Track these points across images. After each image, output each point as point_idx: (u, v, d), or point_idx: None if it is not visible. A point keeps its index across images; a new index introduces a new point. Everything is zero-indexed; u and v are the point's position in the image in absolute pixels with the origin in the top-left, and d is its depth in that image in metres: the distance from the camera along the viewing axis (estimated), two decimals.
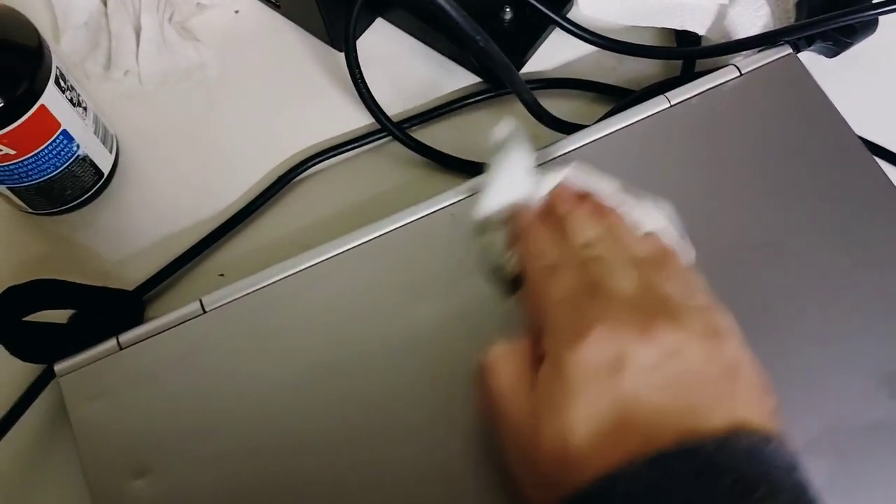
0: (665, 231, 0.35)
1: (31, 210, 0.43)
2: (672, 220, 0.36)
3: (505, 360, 0.31)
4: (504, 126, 0.36)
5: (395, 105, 0.48)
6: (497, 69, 0.38)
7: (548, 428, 0.28)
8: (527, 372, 0.31)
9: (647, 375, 0.28)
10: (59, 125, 0.39)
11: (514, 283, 0.36)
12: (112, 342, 0.38)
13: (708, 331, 0.30)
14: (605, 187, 0.36)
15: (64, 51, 0.48)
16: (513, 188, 0.35)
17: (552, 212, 0.35)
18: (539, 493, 0.29)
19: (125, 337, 0.38)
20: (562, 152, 0.42)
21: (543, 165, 0.36)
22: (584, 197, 0.35)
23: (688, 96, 0.43)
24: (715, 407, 0.28)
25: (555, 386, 0.29)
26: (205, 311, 0.38)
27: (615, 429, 0.27)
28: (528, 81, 0.48)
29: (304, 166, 0.46)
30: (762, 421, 0.28)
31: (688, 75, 0.47)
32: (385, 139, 0.47)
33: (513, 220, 0.35)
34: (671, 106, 0.43)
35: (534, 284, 0.33)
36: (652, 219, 0.35)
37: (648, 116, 0.43)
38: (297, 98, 0.49)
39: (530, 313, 0.32)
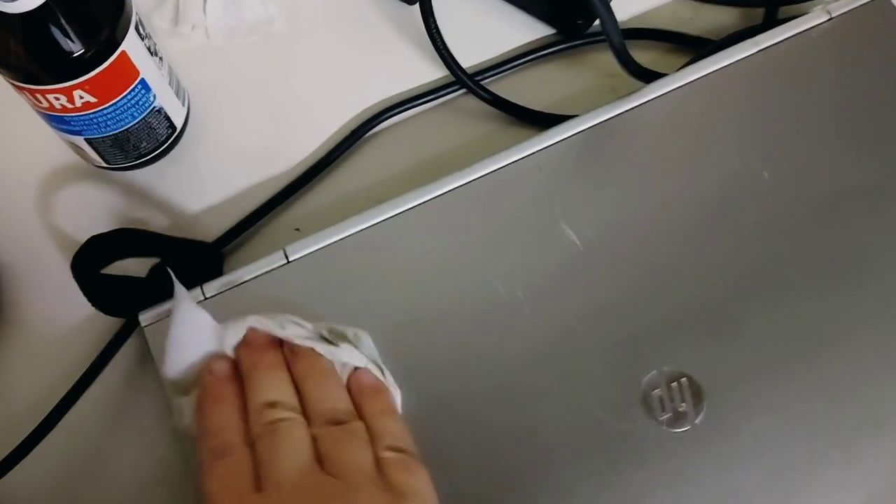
0: (368, 369, 0.32)
1: (105, 164, 0.43)
2: (374, 355, 0.33)
3: None
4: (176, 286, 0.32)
5: (465, 59, 0.47)
6: (594, 7, 0.37)
7: None
8: None
9: None
10: (138, 73, 0.38)
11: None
12: (196, 292, 0.37)
13: (380, 500, 0.28)
14: (296, 331, 0.32)
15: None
16: (196, 344, 0.32)
17: (240, 365, 0.32)
18: None
19: (209, 287, 0.37)
20: (646, 99, 0.41)
21: (224, 322, 0.32)
22: (276, 343, 0.32)
23: (776, 41, 0.42)
24: None
25: None
26: (288, 261, 0.38)
27: None
28: (598, 32, 0.47)
29: (377, 121, 0.45)
30: None
31: (770, 23, 0.46)
32: (458, 93, 0.46)
33: (200, 383, 0.32)
34: (759, 51, 0.42)
35: (200, 473, 0.29)
36: (351, 358, 0.32)
37: (735, 62, 0.42)
38: (366, 52, 0.48)
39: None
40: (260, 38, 0.48)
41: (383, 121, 0.46)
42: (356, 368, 0.32)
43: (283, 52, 0.48)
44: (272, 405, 0.30)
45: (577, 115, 0.41)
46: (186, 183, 0.44)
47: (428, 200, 0.39)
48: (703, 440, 0.34)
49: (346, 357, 0.32)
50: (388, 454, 0.29)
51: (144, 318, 0.37)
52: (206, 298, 0.37)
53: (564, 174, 0.40)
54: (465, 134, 0.46)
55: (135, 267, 0.40)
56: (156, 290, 0.38)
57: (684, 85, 0.41)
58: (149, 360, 0.37)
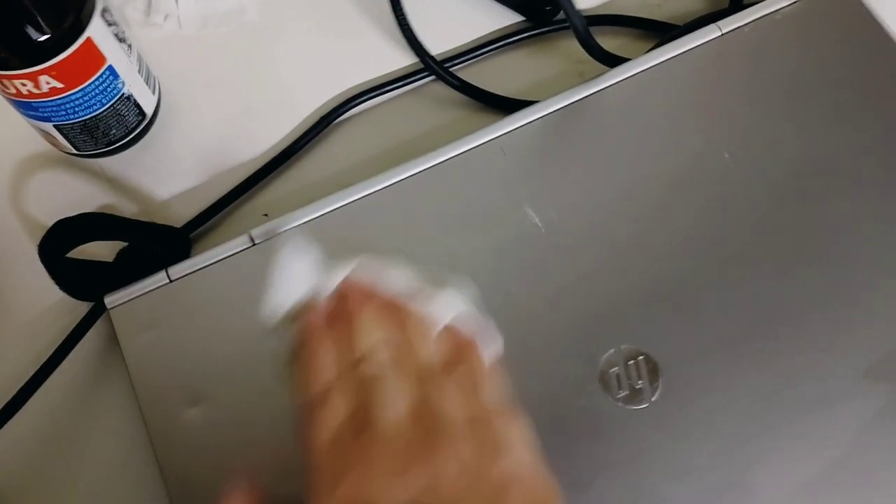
0: (465, 319, 0.32)
1: (76, 151, 0.43)
2: (475, 304, 0.32)
3: None
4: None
5: (436, 46, 0.47)
6: None
7: None
8: None
9: None
10: (104, 60, 0.39)
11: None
12: (162, 275, 0.38)
13: (478, 449, 0.28)
14: (396, 278, 0.32)
15: None
16: (297, 285, 0.32)
17: (338, 312, 0.32)
18: None
19: (174, 270, 0.38)
20: (609, 83, 0.41)
21: (330, 260, 0.32)
22: (370, 292, 0.32)
23: (739, 24, 0.42)
24: None
25: None
26: (254, 244, 0.38)
27: None
28: None
29: (346, 107, 0.46)
30: None
31: (736, 8, 0.46)
32: (427, 79, 0.47)
33: (297, 326, 0.32)
34: (722, 35, 0.42)
35: (302, 417, 0.30)
36: (450, 308, 0.32)
37: (699, 46, 0.42)
38: (337, 40, 0.48)
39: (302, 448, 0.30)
40: (232, 27, 0.48)
41: (353, 107, 0.46)
42: (453, 318, 0.32)
43: (255, 40, 0.48)
44: (370, 355, 0.30)
45: (538, 101, 0.42)
46: (157, 169, 0.45)
47: (392, 184, 0.40)
48: (659, 417, 0.34)
49: (444, 306, 0.32)
50: (482, 407, 0.29)
51: (110, 300, 0.37)
52: (171, 281, 0.37)
53: (528, 157, 0.40)
54: (434, 120, 0.46)
55: (104, 251, 0.40)
56: (123, 274, 0.39)
57: (647, 69, 0.42)
58: (116, 341, 0.37)
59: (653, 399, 0.35)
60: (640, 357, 0.35)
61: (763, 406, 0.35)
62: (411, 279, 0.32)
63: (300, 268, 0.32)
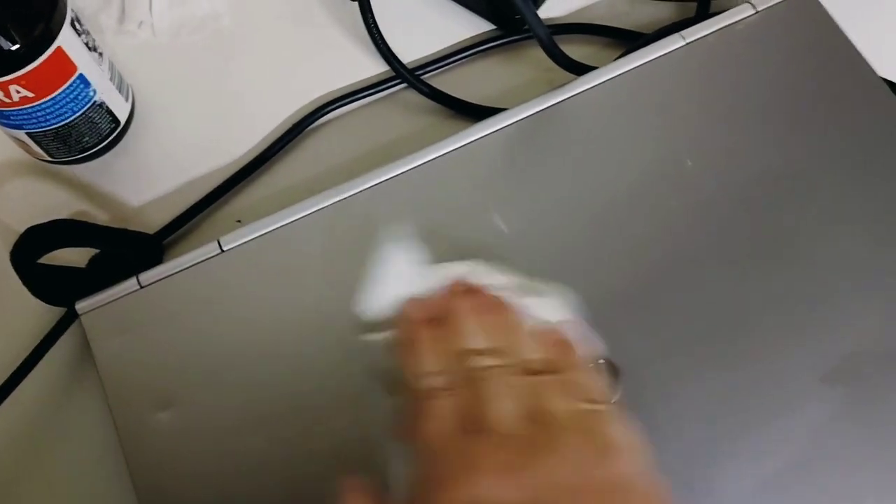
0: (568, 325, 0.32)
1: (50, 158, 0.44)
2: (574, 309, 0.33)
3: None
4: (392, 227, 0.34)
5: (408, 53, 0.48)
6: (515, 4, 0.38)
7: None
8: None
9: None
10: (75, 68, 0.39)
11: (393, 388, 0.33)
12: (132, 281, 0.38)
13: (587, 451, 0.28)
14: (498, 281, 0.33)
15: (78, 4, 0.49)
16: (396, 285, 0.33)
17: (440, 311, 0.32)
18: None
19: (145, 276, 0.38)
20: (576, 91, 0.42)
21: (433, 262, 0.33)
22: (477, 292, 0.33)
23: (702, 34, 0.43)
24: None
25: None
26: (223, 251, 0.39)
27: None
28: None
29: (319, 114, 0.46)
30: None
31: (702, 16, 0.47)
32: (399, 87, 0.47)
33: (398, 324, 0.32)
34: (686, 44, 0.43)
35: (410, 411, 0.30)
36: (554, 313, 0.32)
37: (663, 55, 0.43)
38: (311, 47, 0.49)
39: (406, 440, 0.30)
40: (206, 34, 0.49)
41: (326, 114, 0.47)
42: (555, 323, 0.32)
43: (229, 47, 0.49)
44: (475, 352, 0.30)
45: (508, 109, 0.42)
46: (131, 176, 0.45)
47: (362, 191, 0.40)
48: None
49: (542, 310, 0.32)
50: (588, 407, 0.29)
51: (81, 306, 0.38)
52: (141, 287, 0.38)
53: (496, 165, 0.41)
54: (406, 127, 0.47)
55: (78, 257, 0.41)
56: (96, 280, 0.39)
57: (613, 77, 0.42)
58: (88, 347, 0.38)
59: (613, 402, 0.35)
60: (601, 360, 0.36)
61: (722, 409, 0.35)
62: (513, 284, 0.33)
63: (402, 265, 0.33)
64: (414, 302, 0.33)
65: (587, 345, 0.32)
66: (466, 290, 0.33)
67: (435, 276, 0.33)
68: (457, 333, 0.31)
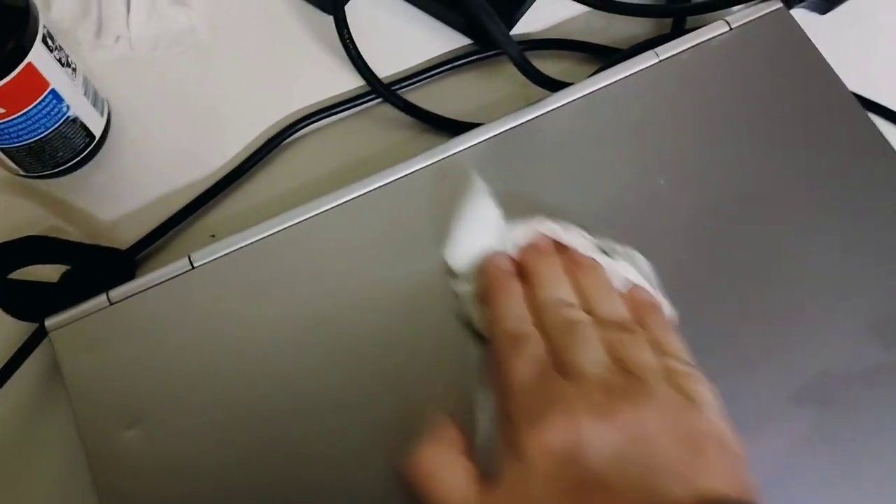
0: (644, 286, 0.33)
1: (24, 173, 0.44)
2: (649, 274, 0.34)
3: (441, 464, 0.30)
4: (475, 179, 0.35)
5: (385, 68, 0.48)
6: (482, 21, 0.38)
7: None
8: (469, 476, 0.29)
9: (609, 460, 0.27)
10: (47, 84, 0.39)
11: (484, 339, 0.34)
12: (102, 298, 0.38)
13: (677, 402, 0.29)
14: (580, 240, 0.34)
15: (55, 17, 0.49)
16: (482, 237, 0.34)
17: (525, 265, 0.33)
18: None
19: (115, 292, 0.38)
20: (549, 108, 0.42)
21: (518, 217, 0.34)
22: (560, 249, 0.34)
23: (676, 52, 0.43)
24: (682, 484, 0.27)
25: (517, 475, 0.28)
26: (193, 267, 0.39)
27: None
28: (518, 42, 0.48)
29: (295, 128, 0.46)
30: (736, 491, 0.28)
31: (678, 33, 0.47)
32: (375, 101, 0.47)
33: (482, 274, 0.33)
34: (660, 61, 0.43)
35: (497, 355, 0.31)
36: (629, 274, 0.33)
37: (637, 72, 0.43)
38: (288, 61, 0.49)
39: (493, 384, 0.31)
40: (183, 48, 0.49)
41: (302, 128, 0.47)
42: (632, 285, 0.33)
43: (206, 61, 0.49)
44: (564, 303, 0.31)
45: (483, 124, 0.42)
46: (107, 190, 0.45)
47: (333, 207, 0.40)
48: None
49: (624, 272, 0.33)
50: (674, 364, 0.30)
51: (50, 323, 0.38)
52: (111, 303, 0.38)
53: (467, 181, 0.41)
54: (382, 142, 0.47)
55: (52, 272, 0.41)
56: (68, 295, 0.39)
57: (587, 94, 0.42)
58: (57, 369, 0.38)
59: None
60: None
61: None
62: (597, 245, 0.34)
63: (488, 217, 0.34)
64: (502, 254, 0.34)
65: (664, 306, 0.33)
66: (550, 247, 0.34)
67: (522, 231, 0.34)
68: (546, 285, 0.32)
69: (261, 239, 0.39)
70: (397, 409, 0.36)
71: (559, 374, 0.29)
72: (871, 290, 0.38)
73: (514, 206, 0.40)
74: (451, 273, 0.34)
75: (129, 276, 0.42)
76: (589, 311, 0.31)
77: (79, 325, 0.38)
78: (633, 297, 0.33)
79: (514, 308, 0.31)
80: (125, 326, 0.38)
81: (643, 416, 0.28)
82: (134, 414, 0.36)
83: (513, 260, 0.33)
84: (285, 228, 0.40)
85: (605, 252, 0.34)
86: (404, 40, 0.49)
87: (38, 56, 0.38)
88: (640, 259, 0.34)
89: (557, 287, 0.32)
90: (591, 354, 0.29)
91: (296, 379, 0.37)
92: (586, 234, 0.34)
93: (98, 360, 0.37)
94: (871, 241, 0.39)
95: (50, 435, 0.39)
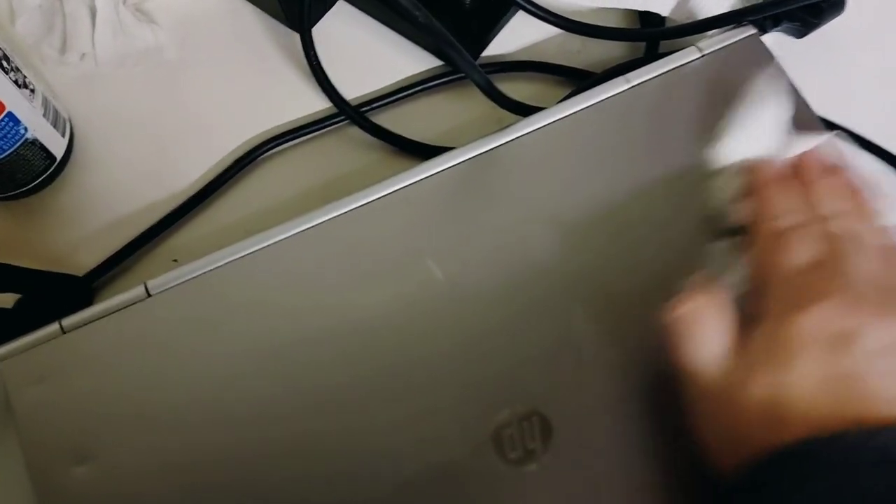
0: None
1: None
2: None
3: (705, 312, 0.31)
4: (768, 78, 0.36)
5: (355, 88, 0.47)
6: (446, 50, 0.38)
7: (759, 384, 0.28)
8: (730, 326, 0.31)
9: (872, 358, 0.28)
10: (3, 107, 0.38)
11: (732, 232, 0.36)
12: (55, 326, 0.37)
13: None
14: (858, 165, 0.34)
15: (19, 33, 0.48)
16: (761, 139, 0.35)
17: (798, 175, 0.34)
18: (732, 447, 0.29)
19: (68, 321, 0.37)
20: (518, 134, 0.41)
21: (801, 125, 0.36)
22: (833, 168, 0.35)
23: (647, 77, 0.42)
24: None
25: (774, 345, 0.29)
26: (150, 295, 0.38)
27: (831, 399, 0.27)
28: (490, 64, 0.47)
29: (261, 150, 0.45)
30: None
31: (651, 57, 0.46)
32: (344, 123, 0.47)
33: (753, 173, 0.35)
34: (631, 87, 0.42)
35: (764, 245, 0.32)
36: None
37: (608, 98, 0.42)
38: (255, 81, 0.48)
39: (752, 272, 0.32)
40: (149, 65, 0.48)
41: (269, 150, 0.46)
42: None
43: (172, 80, 0.48)
44: (825, 218, 0.32)
45: (453, 148, 0.42)
46: (67, 213, 0.44)
47: (297, 233, 0.39)
48: (550, 477, 0.34)
49: (891, 206, 0.33)
50: None
51: (1, 352, 0.37)
52: (63, 332, 0.37)
53: (433, 208, 0.40)
54: (350, 164, 0.46)
55: (7, 298, 0.40)
56: (21, 324, 0.38)
57: (558, 119, 0.42)
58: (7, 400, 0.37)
59: (544, 459, 0.35)
60: (534, 416, 0.35)
61: (657, 463, 0.35)
62: (870, 171, 0.36)
63: (769, 125, 0.34)
64: (771, 161, 0.35)
65: None
66: (825, 164, 0.35)
67: (795, 142, 0.35)
68: (811, 197, 0.33)
69: (221, 266, 0.38)
70: (357, 442, 0.35)
71: (832, 272, 0.30)
72: None
73: (480, 236, 0.39)
74: (715, 169, 0.36)
75: (86, 303, 0.41)
76: (855, 234, 0.32)
77: (30, 355, 0.37)
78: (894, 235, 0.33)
79: (783, 208, 0.33)
80: (78, 356, 0.37)
81: None
82: (84, 448, 0.35)
83: (791, 164, 0.35)
84: (247, 255, 0.39)
85: (881, 183, 0.34)
86: (375, 60, 0.49)
87: None
88: None
89: (827, 203, 0.33)
90: (860, 262, 0.30)
91: (253, 414, 0.36)
92: (867, 162, 0.36)
93: (49, 392, 0.36)
94: None
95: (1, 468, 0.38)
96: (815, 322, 0.29)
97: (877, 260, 0.31)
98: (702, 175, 0.38)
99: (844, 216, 0.33)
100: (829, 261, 0.31)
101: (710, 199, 0.38)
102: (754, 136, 0.35)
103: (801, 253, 0.31)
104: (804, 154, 0.35)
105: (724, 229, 0.36)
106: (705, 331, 0.31)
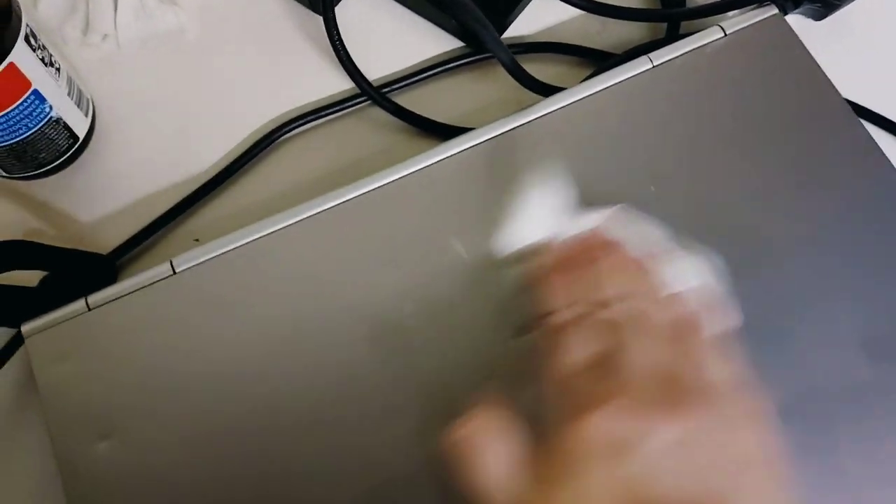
0: (706, 289, 0.32)
1: (5, 174, 0.43)
2: (718, 275, 0.32)
3: (487, 433, 0.29)
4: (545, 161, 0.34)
5: (376, 69, 0.47)
6: (473, 26, 0.37)
7: (551, 502, 0.27)
8: (515, 444, 0.29)
9: (658, 459, 0.27)
10: (29, 84, 0.38)
11: (522, 327, 0.34)
12: (81, 303, 0.37)
13: (724, 417, 0.28)
14: (643, 236, 0.32)
15: (41, 15, 0.48)
16: (540, 224, 0.33)
17: (577, 259, 0.32)
18: None
19: (94, 298, 0.37)
20: (541, 113, 0.41)
21: (580, 205, 0.34)
22: (615, 246, 0.33)
23: (670, 57, 0.42)
24: (721, 500, 0.27)
25: (558, 460, 0.27)
26: (175, 273, 0.38)
27: None
28: (511, 46, 0.47)
29: (283, 130, 0.45)
30: None
31: (672, 38, 0.46)
32: (366, 103, 0.47)
33: (533, 261, 0.33)
34: (654, 67, 0.42)
35: (544, 344, 0.30)
36: (692, 275, 0.32)
37: (630, 78, 0.42)
38: (277, 62, 0.48)
39: (536, 375, 0.30)
40: (171, 47, 0.48)
41: (290, 131, 0.46)
42: (693, 286, 0.32)
43: (194, 61, 0.48)
44: (612, 303, 0.30)
45: (474, 128, 0.42)
46: (90, 192, 0.45)
47: (318, 212, 0.39)
48: None
49: (686, 273, 0.32)
50: (719, 380, 0.29)
51: (27, 328, 0.37)
52: (89, 309, 0.37)
53: (457, 187, 0.40)
54: (372, 145, 0.46)
55: (32, 276, 0.40)
56: (47, 300, 0.38)
57: (580, 99, 0.42)
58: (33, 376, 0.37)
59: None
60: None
61: None
62: (655, 238, 0.33)
63: (546, 208, 0.33)
64: (552, 245, 0.33)
65: (724, 312, 0.31)
66: (606, 244, 0.33)
67: (577, 222, 0.33)
68: (591, 282, 0.31)
69: (245, 244, 0.39)
70: (382, 419, 0.35)
71: (601, 371, 0.29)
72: (861, 303, 0.37)
73: (504, 215, 0.39)
74: (498, 258, 0.33)
75: (110, 281, 0.41)
76: (636, 315, 0.31)
77: (56, 331, 0.37)
78: (685, 306, 0.32)
79: (560, 303, 0.31)
80: (103, 333, 0.37)
81: (690, 425, 0.27)
82: (108, 424, 0.35)
83: (566, 251, 0.33)
84: (270, 233, 0.39)
85: (666, 248, 0.32)
86: (396, 42, 0.49)
87: (20, 55, 0.37)
88: (712, 258, 0.33)
89: (607, 287, 0.31)
90: (639, 353, 0.29)
91: (277, 389, 0.36)
92: (658, 229, 0.33)
93: (74, 368, 0.36)
94: (864, 252, 0.39)
95: (25, 444, 0.38)
96: (596, 430, 0.27)
97: (661, 343, 0.29)
98: (492, 265, 0.35)
99: (629, 297, 0.31)
100: (609, 357, 0.29)
101: (499, 290, 0.36)
102: (534, 220, 0.33)
103: (578, 351, 0.29)
104: (587, 234, 0.33)
105: (515, 321, 0.34)
106: (488, 455, 0.28)
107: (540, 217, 0.33)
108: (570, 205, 0.32)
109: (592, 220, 0.32)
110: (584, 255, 0.32)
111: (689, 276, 0.32)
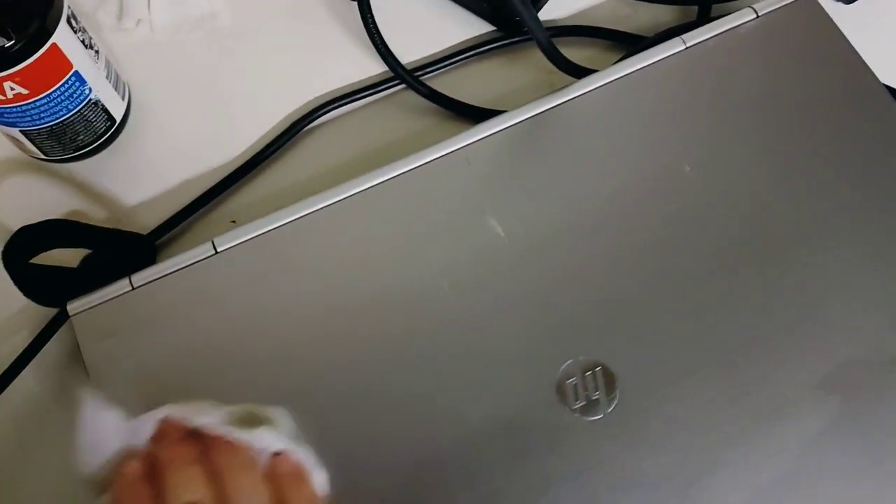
0: (294, 452, 0.31)
1: (44, 157, 0.43)
2: (294, 434, 0.31)
3: None
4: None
5: (407, 54, 0.48)
6: (513, 4, 0.38)
7: None
8: None
9: None
10: (71, 66, 0.39)
11: None
12: (125, 282, 0.38)
13: None
14: (210, 419, 0.31)
15: (77, 1, 0.48)
16: (106, 442, 0.30)
17: (156, 460, 0.30)
18: None
19: (137, 277, 0.38)
20: (575, 94, 0.42)
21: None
22: (189, 435, 0.30)
23: (703, 38, 0.42)
24: None
25: None
26: (217, 252, 0.38)
27: None
28: None
29: (317, 114, 0.46)
30: None
31: (703, 20, 0.46)
32: (398, 87, 0.47)
33: (113, 485, 0.30)
34: (686, 48, 0.42)
35: None
36: (270, 442, 0.31)
37: (663, 59, 0.42)
38: (310, 47, 0.48)
39: None
40: (204, 32, 0.48)
41: (324, 114, 0.46)
42: (276, 453, 0.30)
43: (227, 46, 0.48)
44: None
45: (506, 111, 0.42)
46: (126, 175, 0.45)
47: (358, 193, 0.40)
48: (614, 428, 0.35)
49: (265, 442, 0.30)
50: None
51: (73, 307, 0.37)
52: (133, 288, 0.38)
53: (493, 168, 0.41)
54: (405, 128, 0.46)
55: (72, 256, 0.40)
56: (88, 280, 0.39)
57: (612, 81, 0.42)
58: (79, 348, 0.37)
59: (608, 410, 0.35)
60: (598, 368, 0.36)
61: (717, 417, 0.35)
62: (228, 417, 0.31)
63: (107, 420, 0.30)
64: (129, 457, 0.30)
65: (312, 471, 0.31)
66: (178, 436, 0.30)
67: (147, 423, 0.30)
68: (172, 487, 0.29)
69: (284, 224, 0.39)
70: (424, 395, 0.36)
71: None
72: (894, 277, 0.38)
73: (538, 194, 0.40)
74: (86, 484, 0.30)
75: (150, 261, 0.42)
76: (225, 500, 0.29)
77: (101, 310, 0.37)
78: (276, 468, 0.30)
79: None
80: (147, 311, 0.37)
81: None
82: (154, 401, 0.35)
83: (145, 457, 0.30)
84: (308, 214, 0.39)
85: (241, 423, 0.31)
86: (427, 27, 0.49)
87: (62, 37, 0.38)
88: (285, 419, 0.31)
89: (185, 486, 0.29)
90: None
91: (318, 368, 0.36)
92: (218, 409, 0.31)
93: (119, 345, 0.37)
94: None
95: (69, 419, 0.39)
96: None
97: None
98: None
99: (203, 493, 0.28)
100: None
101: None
102: (99, 440, 0.30)
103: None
104: (156, 434, 0.30)
105: None
106: None
107: (101, 435, 0.30)
108: (125, 416, 0.30)
109: (152, 420, 0.30)
110: (158, 455, 0.30)
111: (270, 441, 0.30)
